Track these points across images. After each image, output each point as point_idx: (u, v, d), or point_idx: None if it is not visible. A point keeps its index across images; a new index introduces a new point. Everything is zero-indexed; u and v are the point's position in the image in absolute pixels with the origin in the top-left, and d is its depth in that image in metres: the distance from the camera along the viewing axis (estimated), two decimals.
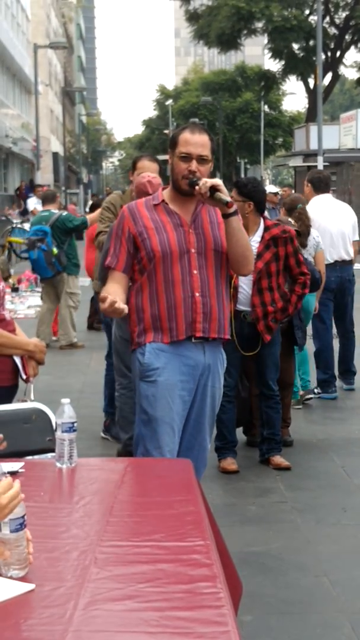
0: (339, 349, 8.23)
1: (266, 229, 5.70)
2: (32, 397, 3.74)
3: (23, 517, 2.13)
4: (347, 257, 7.90)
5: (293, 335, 6.46)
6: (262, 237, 5.67)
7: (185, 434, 3.99)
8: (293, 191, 17.28)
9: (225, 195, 3.74)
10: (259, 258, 5.62)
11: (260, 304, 5.67)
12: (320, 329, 7.97)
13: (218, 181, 3.75)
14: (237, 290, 5.65)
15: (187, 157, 3.81)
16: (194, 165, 3.80)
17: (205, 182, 3.72)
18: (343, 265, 7.88)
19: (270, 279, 5.69)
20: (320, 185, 8.04)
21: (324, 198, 8.01)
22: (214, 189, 3.71)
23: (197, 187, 3.74)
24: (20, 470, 2.89)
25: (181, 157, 3.82)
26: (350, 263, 7.96)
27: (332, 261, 7.77)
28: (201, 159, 3.81)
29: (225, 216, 3.82)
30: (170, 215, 3.88)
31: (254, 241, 5.61)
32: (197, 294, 3.83)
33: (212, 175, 3.93)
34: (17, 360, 3.79)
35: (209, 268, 3.87)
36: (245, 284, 5.67)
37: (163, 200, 3.92)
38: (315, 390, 7.86)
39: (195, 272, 3.83)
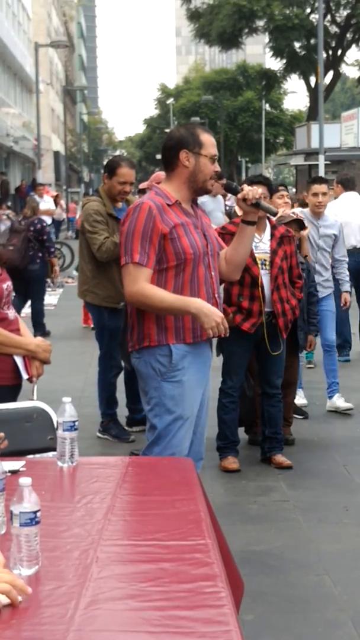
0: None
1: (273, 227, 5.75)
2: (35, 397, 3.73)
3: (35, 512, 2.12)
4: None
5: (297, 335, 6.45)
6: (273, 235, 5.69)
7: (197, 430, 4.04)
8: (294, 190, 17.34)
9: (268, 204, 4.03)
10: (275, 255, 5.65)
11: (279, 300, 5.67)
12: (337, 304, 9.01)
13: (261, 190, 4.02)
14: (262, 289, 5.63)
15: (214, 159, 3.92)
16: (217, 166, 3.95)
17: (256, 190, 3.93)
18: None
19: (284, 276, 5.73)
20: (349, 185, 9.62)
21: (351, 195, 9.56)
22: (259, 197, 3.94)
23: (242, 192, 3.90)
24: (21, 469, 2.89)
25: (212, 159, 3.91)
26: None
27: (351, 247, 9.13)
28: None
29: (248, 223, 3.99)
30: (189, 216, 3.89)
31: (266, 239, 5.66)
32: (216, 295, 3.92)
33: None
34: (18, 359, 3.77)
35: (217, 269, 4.00)
36: (266, 281, 5.65)
37: (177, 201, 3.88)
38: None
39: (212, 273, 3.92)
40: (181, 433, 3.88)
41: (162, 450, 3.85)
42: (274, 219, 5.80)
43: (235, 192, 4.00)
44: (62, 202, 19.38)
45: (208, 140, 3.91)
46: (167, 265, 3.80)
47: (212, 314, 3.70)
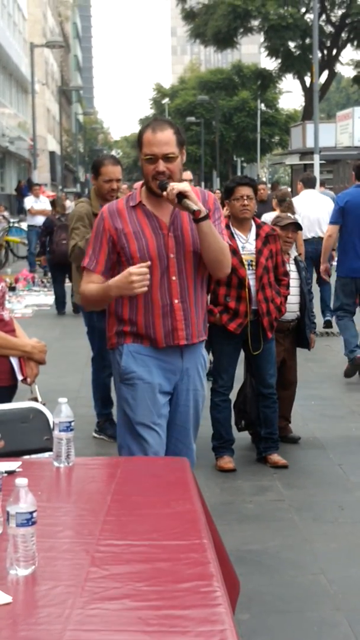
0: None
1: (258, 226, 5.77)
2: (40, 398, 3.71)
3: (31, 513, 2.13)
4: (321, 235, 10.61)
5: (300, 334, 6.45)
6: (258, 234, 5.71)
7: (172, 439, 3.92)
8: (280, 187, 17.71)
9: (193, 201, 3.60)
10: (260, 254, 5.67)
11: (264, 300, 5.69)
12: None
13: (185, 187, 3.60)
14: (249, 290, 5.66)
15: (152, 159, 3.68)
16: (161, 165, 3.66)
17: (172, 188, 3.58)
18: (319, 241, 10.51)
19: (269, 275, 5.73)
20: (308, 183, 11.47)
21: (310, 192, 11.40)
22: (181, 195, 3.59)
23: (164, 193, 3.63)
24: (17, 470, 2.89)
25: (147, 160, 3.68)
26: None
27: (310, 237, 10.91)
28: (167, 158, 3.65)
29: (196, 221, 3.66)
30: (149, 218, 3.75)
31: (251, 239, 5.67)
32: (175, 301, 3.73)
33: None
34: (14, 361, 3.78)
35: (188, 272, 3.77)
36: (252, 282, 5.67)
37: (140, 202, 3.77)
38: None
39: (174, 278, 3.73)
40: (140, 437, 3.77)
41: (130, 454, 3.78)
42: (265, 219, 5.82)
43: (164, 190, 3.70)
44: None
45: (146, 139, 3.68)
46: (120, 268, 3.72)
47: (125, 282, 3.57)
